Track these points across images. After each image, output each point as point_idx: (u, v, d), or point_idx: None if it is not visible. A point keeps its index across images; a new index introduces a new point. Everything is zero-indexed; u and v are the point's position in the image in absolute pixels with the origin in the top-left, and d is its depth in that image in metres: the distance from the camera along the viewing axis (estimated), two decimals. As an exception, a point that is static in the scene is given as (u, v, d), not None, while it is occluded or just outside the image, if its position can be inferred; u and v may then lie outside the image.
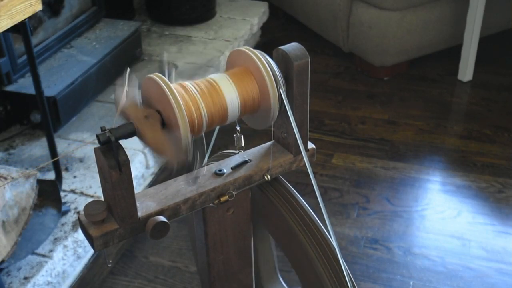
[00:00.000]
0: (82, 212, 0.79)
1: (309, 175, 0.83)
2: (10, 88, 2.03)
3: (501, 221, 1.94)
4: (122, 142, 0.76)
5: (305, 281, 0.90)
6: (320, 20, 2.86)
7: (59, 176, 1.79)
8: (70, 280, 1.72)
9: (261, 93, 0.83)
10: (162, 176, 2.07)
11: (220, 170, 0.87)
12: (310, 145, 0.92)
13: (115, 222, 0.79)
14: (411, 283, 1.73)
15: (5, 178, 1.56)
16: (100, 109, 2.22)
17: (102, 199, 0.81)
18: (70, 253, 1.68)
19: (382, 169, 2.18)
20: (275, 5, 3.19)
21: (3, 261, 1.49)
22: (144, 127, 0.75)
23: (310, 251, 0.86)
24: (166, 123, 0.77)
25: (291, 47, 0.83)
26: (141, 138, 0.77)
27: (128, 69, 0.77)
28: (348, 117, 2.48)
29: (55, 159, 1.73)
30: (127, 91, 0.77)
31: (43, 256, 1.61)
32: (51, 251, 1.62)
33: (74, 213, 1.75)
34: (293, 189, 0.92)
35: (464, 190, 2.07)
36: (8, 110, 2.07)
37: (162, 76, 0.77)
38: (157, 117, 0.77)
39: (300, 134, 0.85)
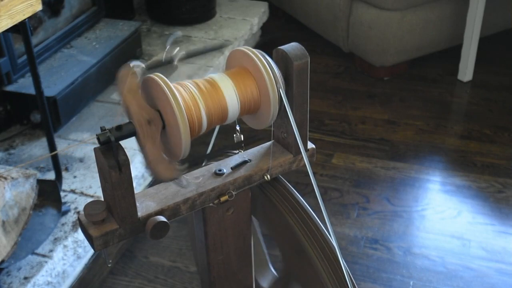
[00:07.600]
0: (82, 212, 0.79)
1: (309, 175, 0.83)
2: (10, 88, 2.03)
3: (501, 221, 1.94)
4: (122, 142, 0.76)
5: (305, 281, 0.90)
6: (320, 20, 2.86)
7: (59, 176, 1.79)
8: (70, 280, 1.72)
9: (261, 93, 0.83)
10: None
11: (220, 170, 0.87)
12: (310, 145, 0.92)
13: (115, 222, 0.79)
14: (411, 283, 1.73)
15: (5, 178, 1.56)
16: (100, 109, 2.22)
17: (102, 199, 0.81)
18: (70, 253, 1.68)
19: (382, 169, 2.17)
20: (275, 5, 3.18)
21: (3, 261, 1.48)
22: (144, 134, 0.75)
23: (310, 251, 0.86)
24: (165, 123, 0.77)
25: (291, 47, 0.83)
26: (139, 142, 0.77)
27: (132, 63, 0.77)
28: (348, 117, 2.48)
29: (44, 156, 1.73)
30: (128, 84, 0.76)
31: (43, 256, 1.61)
32: (51, 251, 1.62)
33: (74, 213, 1.75)
34: (293, 189, 0.92)
35: (464, 190, 2.07)
36: (8, 110, 2.07)
37: (162, 76, 0.77)
38: (159, 123, 0.76)
39: (300, 134, 0.85)
